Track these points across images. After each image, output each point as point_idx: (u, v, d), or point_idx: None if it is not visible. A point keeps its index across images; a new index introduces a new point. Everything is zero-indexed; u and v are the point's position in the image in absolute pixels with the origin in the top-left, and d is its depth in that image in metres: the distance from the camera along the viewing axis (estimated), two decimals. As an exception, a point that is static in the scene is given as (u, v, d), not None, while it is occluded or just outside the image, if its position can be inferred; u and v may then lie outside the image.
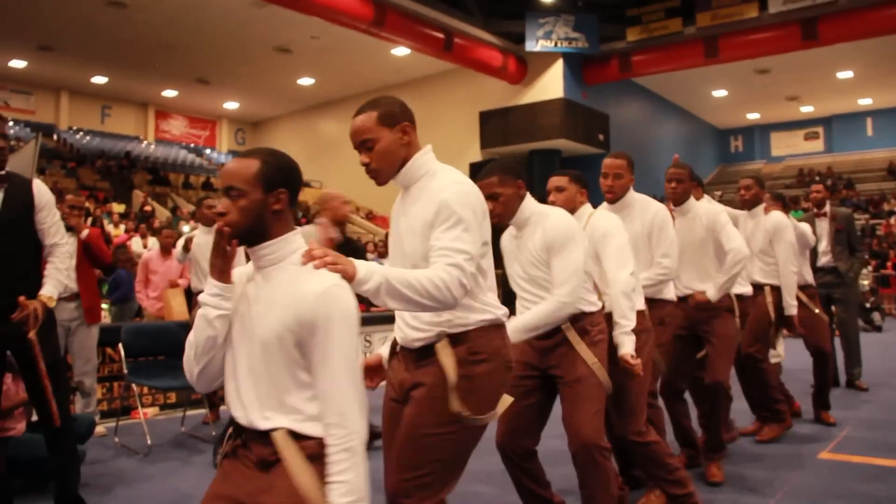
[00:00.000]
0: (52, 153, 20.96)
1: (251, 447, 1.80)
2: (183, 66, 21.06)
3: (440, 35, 16.77)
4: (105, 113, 25.11)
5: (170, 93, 24.67)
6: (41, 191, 3.51)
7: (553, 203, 3.35)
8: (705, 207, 4.21)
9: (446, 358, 2.22)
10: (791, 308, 5.02)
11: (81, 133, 24.16)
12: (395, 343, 2.43)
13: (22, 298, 3.25)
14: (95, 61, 20.73)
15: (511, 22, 18.32)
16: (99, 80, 22.76)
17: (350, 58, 19.88)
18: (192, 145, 27.45)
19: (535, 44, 18.15)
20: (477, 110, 19.85)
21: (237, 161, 1.90)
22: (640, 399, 3.31)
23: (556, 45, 18.16)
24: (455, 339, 2.24)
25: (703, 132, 29.75)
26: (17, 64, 21.03)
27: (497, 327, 2.31)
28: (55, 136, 22.97)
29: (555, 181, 3.44)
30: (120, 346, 5.56)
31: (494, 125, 19.58)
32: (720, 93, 25.41)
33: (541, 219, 3.00)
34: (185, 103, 26.07)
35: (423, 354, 2.27)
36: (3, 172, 3.38)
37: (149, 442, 5.18)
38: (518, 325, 2.95)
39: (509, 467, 3.12)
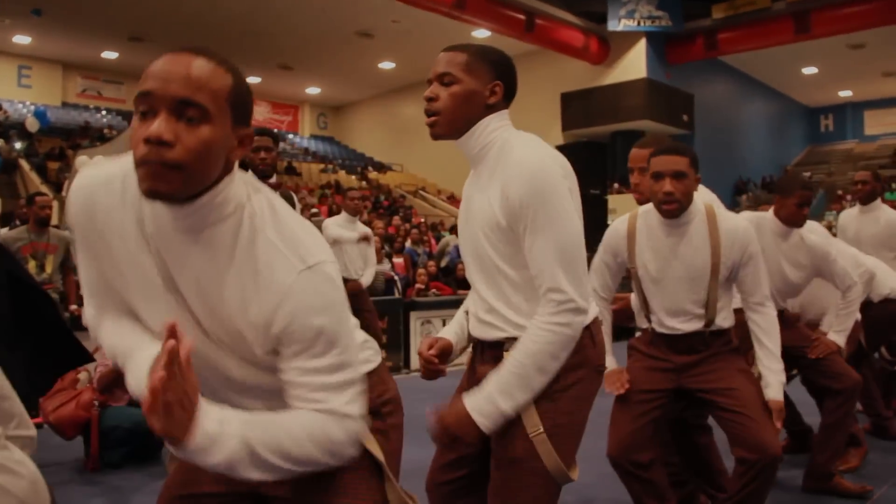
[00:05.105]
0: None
1: None
2: (266, 53, 21.39)
3: (521, 16, 16.64)
4: (193, 100, 25.62)
5: (253, 79, 25.02)
6: None
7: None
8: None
9: None
10: None
11: (170, 120, 24.81)
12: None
13: None
14: (183, 50, 21.24)
15: (593, 1, 18.02)
16: (186, 68, 23.30)
17: (431, 41, 19.76)
18: (276, 130, 27.75)
19: (618, 23, 17.85)
20: (558, 92, 19.62)
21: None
22: None
23: (639, 24, 17.82)
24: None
25: (792, 111, 28.70)
26: (110, 55, 21.77)
27: None
28: (144, 124, 23.70)
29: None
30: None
31: (576, 107, 19.35)
32: (810, 70, 24.41)
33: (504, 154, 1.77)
34: (269, 89, 26.41)
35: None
36: (273, 180, 3.78)
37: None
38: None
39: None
